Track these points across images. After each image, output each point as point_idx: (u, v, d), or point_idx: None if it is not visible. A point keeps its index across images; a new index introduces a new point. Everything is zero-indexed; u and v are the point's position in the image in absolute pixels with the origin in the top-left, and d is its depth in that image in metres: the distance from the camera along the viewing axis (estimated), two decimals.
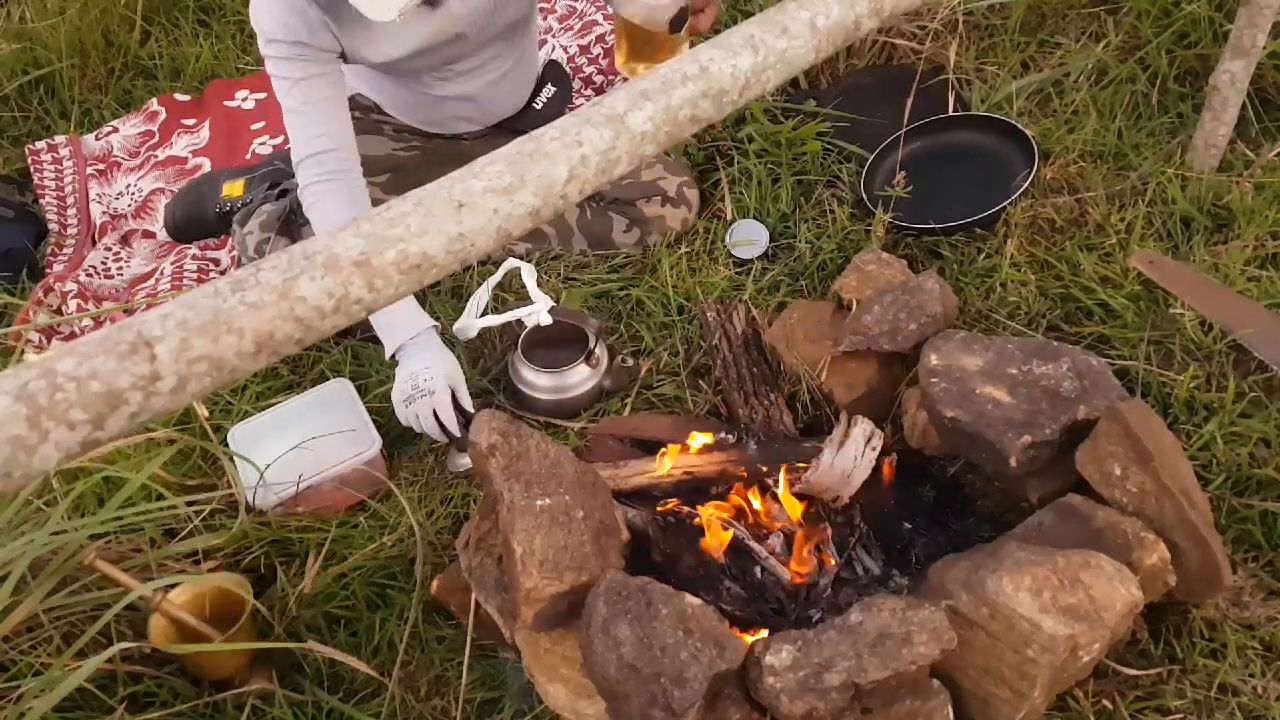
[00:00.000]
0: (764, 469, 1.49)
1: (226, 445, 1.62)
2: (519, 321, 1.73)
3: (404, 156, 1.99)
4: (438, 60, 1.83)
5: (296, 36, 1.62)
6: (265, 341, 0.75)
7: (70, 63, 2.57)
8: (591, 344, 1.71)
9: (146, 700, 1.37)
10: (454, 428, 1.61)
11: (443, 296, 1.92)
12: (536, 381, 1.71)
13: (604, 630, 1.15)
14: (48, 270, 2.19)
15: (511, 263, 1.81)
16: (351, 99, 2.01)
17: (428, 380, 1.62)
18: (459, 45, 1.80)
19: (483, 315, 1.74)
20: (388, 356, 1.68)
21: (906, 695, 1.14)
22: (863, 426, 1.46)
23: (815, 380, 1.60)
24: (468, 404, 1.64)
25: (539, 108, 2.10)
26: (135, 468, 1.45)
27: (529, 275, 1.75)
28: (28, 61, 2.58)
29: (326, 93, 1.70)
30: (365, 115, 2.00)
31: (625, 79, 1.87)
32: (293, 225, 1.94)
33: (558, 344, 1.72)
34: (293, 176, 2.06)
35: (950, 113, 2.04)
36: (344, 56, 1.72)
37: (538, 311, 1.70)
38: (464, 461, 1.63)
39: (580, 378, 1.71)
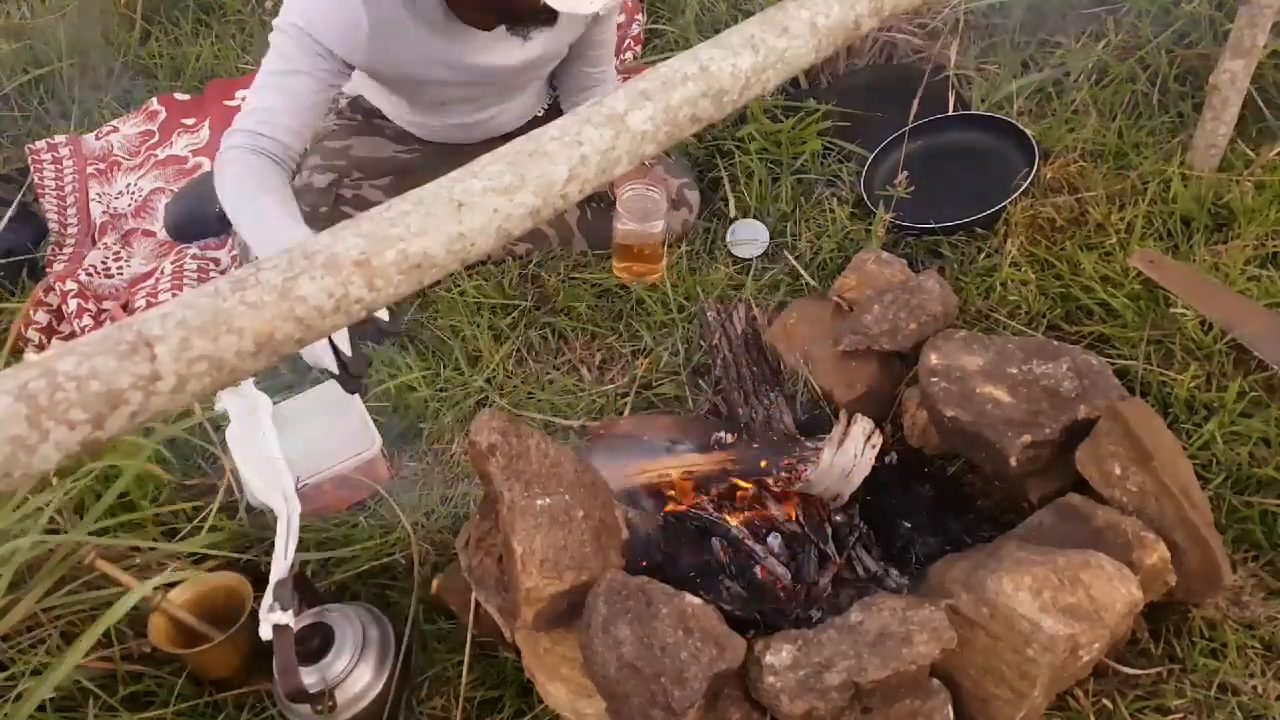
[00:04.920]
0: (763, 466, 1.49)
1: (226, 445, 1.62)
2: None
3: (406, 159, 1.99)
4: (452, 95, 1.83)
5: (327, 44, 1.59)
6: (265, 341, 0.75)
7: (70, 62, 2.57)
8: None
9: (147, 700, 1.37)
10: (345, 349, 1.46)
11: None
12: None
13: (604, 630, 1.15)
14: (48, 270, 2.19)
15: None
16: (354, 102, 2.01)
17: None
18: (478, 88, 1.80)
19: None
20: None
21: (906, 695, 1.14)
22: (862, 424, 1.46)
23: (815, 380, 1.60)
24: (342, 343, 1.48)
25: (540, 114, 2.10)
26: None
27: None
28: (27, 61, 2.58)
29: (312, 100, 1.65)
30: (367, 119, 2.00)
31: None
32: None
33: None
34: (295, 175, 2.06)
35: (950, 112, 2.04)
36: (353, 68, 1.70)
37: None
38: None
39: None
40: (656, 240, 1.85)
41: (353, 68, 1.67)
